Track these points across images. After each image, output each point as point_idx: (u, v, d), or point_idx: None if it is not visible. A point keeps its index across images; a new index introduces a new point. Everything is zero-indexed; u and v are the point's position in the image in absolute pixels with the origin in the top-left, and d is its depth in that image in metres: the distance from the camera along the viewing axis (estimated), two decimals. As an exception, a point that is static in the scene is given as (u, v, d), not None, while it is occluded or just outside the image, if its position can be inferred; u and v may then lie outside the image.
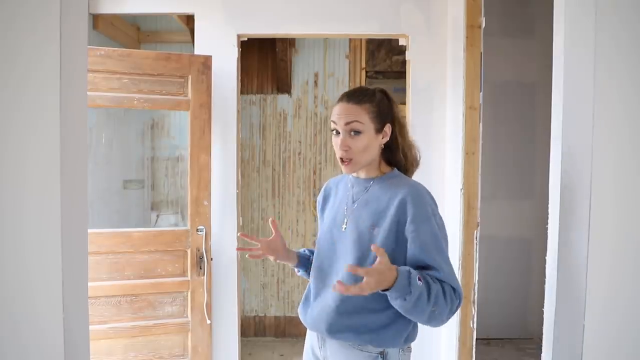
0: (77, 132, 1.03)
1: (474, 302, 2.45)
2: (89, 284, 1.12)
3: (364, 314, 1.29)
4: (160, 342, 2.52)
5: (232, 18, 2.66)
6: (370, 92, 1.35)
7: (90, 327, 1.12)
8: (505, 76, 3.55)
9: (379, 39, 3.63)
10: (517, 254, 3.59)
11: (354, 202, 1.37)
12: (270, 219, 1.47)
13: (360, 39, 3.66)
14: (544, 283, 1.38)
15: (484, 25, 2.40)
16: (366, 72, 3.71)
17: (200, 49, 2.65)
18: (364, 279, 1.12)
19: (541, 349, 1.39)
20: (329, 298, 1.34)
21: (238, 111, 2.70)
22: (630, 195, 1.20)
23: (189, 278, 2.53)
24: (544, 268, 1.38)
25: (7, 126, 0.95)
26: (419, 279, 1.18)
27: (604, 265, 1.22)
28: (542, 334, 1.38)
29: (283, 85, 3.69)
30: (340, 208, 1.41)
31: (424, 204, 1.27)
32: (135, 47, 3.57)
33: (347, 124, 1.29)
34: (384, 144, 1.36)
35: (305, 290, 1.48)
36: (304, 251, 1.55)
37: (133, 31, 3.61)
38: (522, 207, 3.59)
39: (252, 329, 3.74)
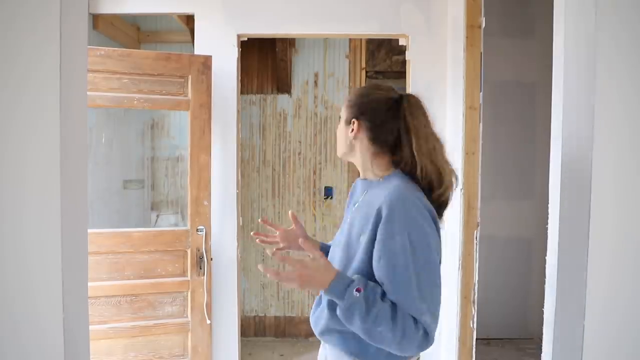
0: (77, 132, 1.03)
1: (474, 302, 2.45)
2: (89, 284, 1.12)
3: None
4: (160, 342, 2.52)
5: (232, 18, 2.66)
6: (362, 87, 1.37)
7: (90, 327, 1.12)
8: (505, 76, 3.55)
9: (379, 39, 3.63)
10: (517, 254, 3.59)
11: (354, 204, 1.34)
12: (290, 213, 1.46)
13: (360, 39, 3.66)
14: (544, 283, 1.38)
15: (484, 25, 2.40)
16: (366, 72, 3.71)
17: (200, 49, 2.65)
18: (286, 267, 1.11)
19: (541, 349, 1.39)
20: (324, 300, 1.28)
21: (238, 111, 2.70)
22: (631, 195, 1.20)
23: (189, 278, 2.53)
24: (544, 268, 1.38)
25: (7, 126, 0.95)
26: (358, 290, 1.10)
27: (604, 265, 1.22)
28: (542, 334, 1.39)
29: (283, 85, 3.69)
30: (349, 209, 1.39)
31: (396, 215, 1.13)
32: (135, 47, 3.58)
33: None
34: (391, 145, 1.27)
35: None
36: (325, 244, 1.51)
37: (133, 31, 3.61)
38: (522, 207, 3.59)
39: (252, 329, 3.74)
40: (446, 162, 1.30)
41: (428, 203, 1.21)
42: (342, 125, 1.32)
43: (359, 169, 1.34)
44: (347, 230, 1.27)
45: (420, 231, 1.14)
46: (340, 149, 1.34)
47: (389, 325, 1.09)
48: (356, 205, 1.30)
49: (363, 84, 3.70)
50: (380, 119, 1.27)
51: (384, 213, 1.14)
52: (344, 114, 1.32)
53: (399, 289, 1.11)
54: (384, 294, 1.12)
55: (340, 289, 1.11)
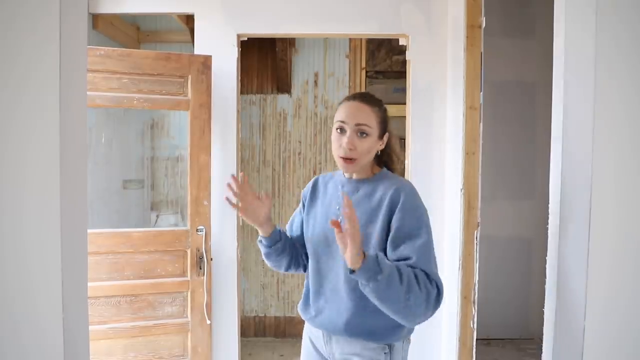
0: (76, 132, 1.03)
1: (474, 302, 2.44)
2: (89, 284, 1.12)
3: (379, 315, 1.27)
4: (160, 343, 2.52)
5: (231, 18, 2.66)
6: (377, 99, 1.41)
7: (90, 328, 1.12)
8: (506, 76, 3.56)
9: (379, 39, 3.63)
10: (517, 254, 3.59)
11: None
12: (264, 192, 1.48)
13: (361, 39, 3.66)
14: (544, 283, 1.38)
15: (484, 25, 2.40)
16: (366, 72, 3.71)
17: (200, 48, 2.65)
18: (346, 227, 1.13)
19: (542, 349, 1.39)
20: (344, 298, 1.35)
21: (238, 111, 2.70)
22: (631, 195, 1.20)
23: (188, 278, 2.53)
24: (544, 268, 1.38)
25: (7, 126, 0.95)
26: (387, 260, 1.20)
27: (604, 265, 1.22)
28: (542, 334, 1.38)
29: (283, 85, 3.69)
30: (332, 208, 1.43)
31: (415, 199, 1.32)
32: (135, 47, 3.57)
33: (359, 125, 1.33)
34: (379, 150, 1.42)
35: (304, 289, 1.49)
36: (280, 231, 1.52)
37: (133, 31, 3.61)
38: (523, 207, 3.59)
39: (252, 329, 3.74)
40: (399, 151, 1.52)
41: None
42: (373, 140, 1.36)
43: (358, 171, 1.41)
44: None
45: (427, 215, 1.33)
46: (367, 160, 1.38)
47: (416, 286, 1.18)
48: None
49: (363, 84, 3.70)
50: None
51: (402, 196, 1.29)
52: (374, 128, 1.36)
53: (421, 251, 1.24)
54: (402, 264, 1.23)
55: (374, 262, 1.15)
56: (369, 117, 1.34)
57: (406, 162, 2.73)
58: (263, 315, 3.74)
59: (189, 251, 2.53)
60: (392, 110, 3.87)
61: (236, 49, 2.66)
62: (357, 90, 3.68)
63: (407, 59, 2.71)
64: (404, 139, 2.79)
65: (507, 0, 3.47)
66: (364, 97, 1.39)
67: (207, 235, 2.53)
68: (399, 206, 1.29)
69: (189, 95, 2.51)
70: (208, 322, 2.55)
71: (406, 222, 1.27)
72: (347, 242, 1.13)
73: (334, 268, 1.39)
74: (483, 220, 2.54)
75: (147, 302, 2.49)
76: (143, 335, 2.48)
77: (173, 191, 3.79)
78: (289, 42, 3.62)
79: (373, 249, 1.30)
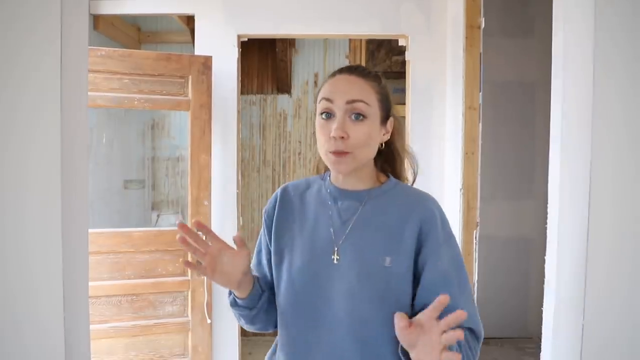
0: (77, 132, 1.03)
1: (473, 302, 2.45)
2: (90, 283, 1.12)
3: None
4: (161, 342, 2.52)
5: (232, 18, 2.66)
6: (375, 73, 1.01)
7: (91, 327, 1.13)
8: (505, 76, 3.56)
9: (378, 40, 3.63)
10: (516, 253, 3.59)
11: (345, 222, 0.98)
12: (233, 236, 0.96)
13: (360, 39, 3.66)
14: (543, 283, 1.38)
15: (483, 25, 2.41)
16: (366, 72, 3.71)
17: (200, 49, 2.65)
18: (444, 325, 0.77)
19: (540, 349, 1.39)
20: (344, 354, 0.93)
21: (238, 111, 2.70)
22: (629, 195, 1.21)
23: (189, 278, 2.54)
24: (543, 268, 1.38)
25: (8, 126, 0.95)
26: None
27: (602, 265, 1.22)
28: (541, 333, 1.39)
29: (283, 85, 3.70)
30: (321, 232, 0.99)
31: (446, 223, 0.96)
32: (136, 48, 3.58)
33: (351, 102, 0.93)
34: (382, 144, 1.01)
35: (274, 343, 1.08)
36: (258, 279, 1.04)
37: (133, 32, 3.62)
38: (522, 207, 3.59)
39: (252, 328, 3.74)
40: (410, 153, 1.10)
41: None
42: (373, 124, 0.95)
43: (355, 178, 1.00)
44: (356, 257, 0.95)
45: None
46: (368, 156, 0.97)
47: (469, 352, 0.89)
48: (351, 223, 0.97)
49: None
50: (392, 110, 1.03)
51: (434, 221, 0.94)
52: (374, 107, 0.95)
53: (468, 302, 0.93)
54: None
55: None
56: (365, 92, 0.94)
57: (405, 162, 2.73)
58: (263, 315, 3.74)
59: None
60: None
61: (236, 49, 2.67)
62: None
63: (406, 59, 2.71)
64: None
65: (506, 0, 3.47)
66: (356, 69, 0.97)
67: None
68: (431, 234, 0.93)
69: (190, 95, 2.51)
70: (208, 321, 2.56)
71: (445, 259, 0.92)
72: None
73: (329, 316, 0.94)
74: (482, 220, 2.55)
75: (147, 301, 2.49)
76: (144, 334, 2.48)
77: (174, 191, 3.80)
78: (289, 43, 3.63)
79: (397, 292, 0.92)
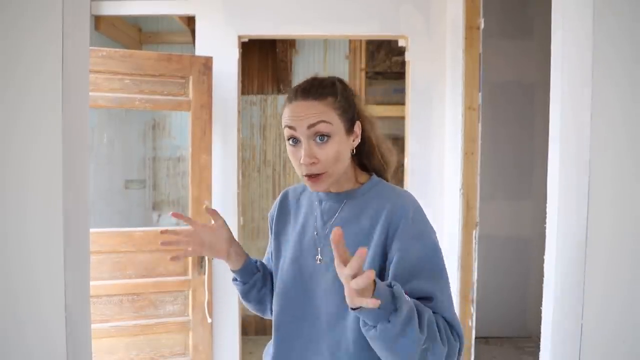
0: (79, 132, 1.04)
1: (473, 301, 2.46)
2: (91, 283, 1.13)
3: None
4: (162, 341, 2.53)
5: (232, 19, 2.67)
6: (329, 82, 1.03)
7: (92, 326, 1.13)
8: (504, 77, 3.56)
9: (378, 40, 3.64)
10: (515, 253, 3.59)
11: (325, 223, 1.05)
12: (204, 206, 1.11)
13: (360, 40, 3.67)
14: (542, 282, 1.39)
15: (482, 26, 2.41)
16: (366, 72, 3.72)
17: (201, 49, 2.66)
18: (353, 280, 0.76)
19: (539, 348, 1.39)
20: (324, 351, 0.99)
21: (239, 111, 2.71)
22: (628, 195, 1.21)
23: (190, 277, 2.55)
24: (542, 267, 1.39)
25: (10, 126, 0.96)
26: (405, 293, 0.85)
27: (601, 264, 1.23)
28: (540, 332, 1.39)
29: (283, 85, 3.70)
30: (308, 232, 1.07)
31: (419, 218, 0.98)
32: (137, 48, 3.59)
33: (312, 126, 0.96)
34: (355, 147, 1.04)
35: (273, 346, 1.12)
36: (255, 261, 1.18)
37: (134, 32, 3.63)
38: (521, 207, 3.59)
39: (252, 327, 3.75)
40: (385, 141, 1.11)
41: None
42: (339, 139, 0.98)
43: (335, 182, 1.03)
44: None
45: (436, 236, 1.01)
46: (342, 168, 1.00)
47: (438, 338, 0.87)
48: (329, 225, 1.04)
49: (363, 85, 3.71)
50: (359, 110, 1.05)
51: (402, 217, 0.96)
52: (336, 124, 0.97)
53: (441, 292, 0.93)
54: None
55: (388, 295, 0.82)
56: (323, 113, 0.96)
57: (405, 162, 2.74)
58: (263, 314, 3.75)
59: (189, 251, 2.54)
60: (391, 110, 3.88)
61: (237, 50, 2.67)
62: (357, 91, 3.68)
63: (406, 60, 2.72)
64: (402, 139, 2.80)
65: (505, 2, 3.48)
66: (308, 92, 0.99)
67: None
68: (399, 230, 0.95)
69: (190, 96, 2.52)
70: (209, 320, 2.56)
71: (414, 251, 0.94)
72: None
73: (314, 314, 1.01)
74: (482, 220, 2.55)
75: (148, 300, 2.50)
76: (145, 333, 2.49)
77: (174, 191, 3.81)
78: (289, 43, 3.64)
79: None
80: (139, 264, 2.48)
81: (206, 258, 2.54)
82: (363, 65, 3.70)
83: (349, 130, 1.01)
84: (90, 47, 1.12)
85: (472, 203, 2.43)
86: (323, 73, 3.75)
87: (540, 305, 1.39)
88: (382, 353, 0.86)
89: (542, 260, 1.39)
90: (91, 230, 1.14)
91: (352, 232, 0.99)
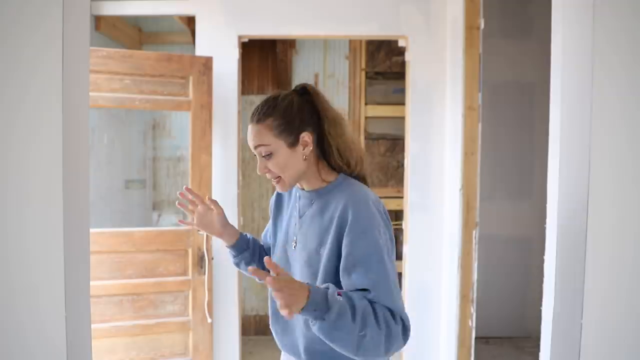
0: (79, 132, 1.04)
1: (473, 301, 2.46)
2: (91, 283, 1.13)
3: None
4: (162, 341, 2.53)
5: (232, 19, 2.67)
6: (272, 104, 1.18)
7: (92, 326, 1.13)
8: (504, 77, 3.56)
9: (378, 40, 3.64)
10: (516, 253, 3.59)
11: (300, 217, 1.24)
12: (207, 197, 1.34)
13: (360, 40, 3.67)
14: (542, 282, 1.39)
15: (482, 26, 2.42)
16: (366, 72, 3.72)
17: (201, 50, 2.66)
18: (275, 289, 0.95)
19: (539, 348, 1.39)
20: (300, 322, 1.19)
21: (239, 111, 2.71)
22: (628, 194, 1.21)
23: (190, 277, 2.55)
24: (542, 267, 1.39)
25: (10, 126, 0.96)
26: (338, 294, 1.02)
27: (602, 264, 1.23)
28: (540, 332, 1.39)
29: (283, 85, 3.70)
30: (291, 223, 1.28)
31: (364, 215, 1.11)
32: (137, 48, 3.59)
33: (255, 148, 1.17)
34: (320, 149, 1.20)
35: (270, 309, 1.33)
36: (248, 240, 1.40)
37: (135, 32, 3.63)
38: (521, 207, 3.59)
39: (252, 327, 3.75)
40: (354, 140, 1.25)
41: (382, 202, 1.20)
42: (281, 154, 1.15)
43: (304, 182, 1.22)
44: (303, 245, 1.20)
45: (384, 230, 1.13)
46: (295, 173, 1.17)
47: (374, 324, 1.03)
48: (303, 218, 1.23)
49: (363, 85, 3.71)
50: (311, 119, 1.20)
51: (350, 214, 1.10)
52: (274, 143, 1.14)
53: (379, 284, 1.07)
54: (357, 296, 1.07)
55: (320, 298, 0.99)
56: (261, 136, 1.15)
57: (405, 162, 2.74)
58: (264, 313, 3.75)
59: (190, 250, 2.54)
60: (391, 110, 3.87)
61: (237, 50, 2.67)
62: (357, 92, 3.69)
63: (406, 60, 2.72)
64: (402, 139, 2.80)
65: (505, 2, 3.48)
66: (253, 115, 1.17)
67: (208, 235, 2.54)
68: (347, 227, 1.10)
69: (190, 96, 2.52)
70: (209, 320, 2.56)
71: (358, 247, 1.08)
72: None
73: None
74: (482, 220, 2.56)
75: (148, 300, 2.50)
76: (145, 333, 2.49)
77: (174, 191, 3.80)
78: (289, 43, 3.64)
79: (323, 275, 1.14)
80: (139, 264, 2.48)
81: (206, 259, 2.54)
82: (363, 65, 3.70)
83: (293, 143, 1.16)
84: (91, 47, 1.12)
85: (472, 203, 2.44)
86: (323, 73, 3.76)
87: (540, 305, 1.39)
88: (327, 342, 1.04)
89: (542, 261, 1.39)
90: (91, 230, 1.14)
91: (317, 227, 1.18)
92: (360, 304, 1.03)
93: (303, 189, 1.25)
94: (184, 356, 2.57)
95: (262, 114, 1.16)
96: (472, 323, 2.46)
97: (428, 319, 2.71)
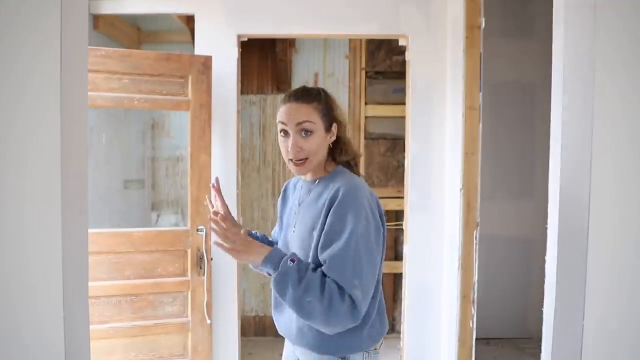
0: (77, 132, 1.03)
1: (473, 301, 2.45)
2: (90, 283, 1.12)
3: None
4: (161, 342, 2.52)
5: (232, 18, 2.66)
6: (315, 91, 1.33)
7: (91, 327, 1.13)
8: (505, 76, 3.56)
9: (378, 40, 3.63)
10: (516, 253, 3.59)
11: (299, 204, 1.37)
12: (211, 183, 1.40)
13: (360, 40, 3.66)
14: (544, 283, 1.38)
15: (483, 25, 2.41)
16: (366, 72, 3.71)
17: (200, 49, 2.65)
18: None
19: (540, 349, 1.39)
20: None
21: (238, 111, 2.70)
22: (630, 194, 1.21)
23: (189, 278, 2.54)
24: (544, 268, 1.38)
25: (8, 126, 0.95)
26: (292, 260, 1.19)
27: (603, 265, 1.22)
28: (541, 333, 1.39)
29: (283, 85, 3.69)
30: (292, 211, 1.40)
31: (351, 199, 1.21)
32: (136, 48, 3.58)
33: (299, 123, 1.26)
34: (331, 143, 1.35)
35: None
36: (256, 233, 1.48)
37: (133, 31, 3.62)
38: (522, 207, 3.59)
39: (252, 328, 3.75)
40: (352, 140, 1.42)
41: (376, 196, 1.31)
42: (319, 135, 1.28)
43: (312, 171, 1.34)
44: (299, 229, 1.32)
45: (367, 220, 1.22)
46: (320, 158, 1.31)
47: (317, 294, 1.15)
48: (301, 205, 1.35)
49: (363, 85, 3.70)
50: (337, 115, 1.35)
51: (339, 196, 1.21)
52: (318, 123, 1.28)
53: (335, 258, 1.18)
54: (315, 269, 1.20)
55: (276, 259, 1.19)
56: (309, 114, 1.26)
57: (405, 162, 2.74)
58: (263, 314, 3.75)
59: (189, 251, 2.54)
60: (391, 110, 3.87)
61: (236, 49, 2.67)
62: (357, 91, 3.69)
63: (406, 59, 2.72)
64: (403, 139, 2.79)
65: (506, 1, 3.48)
66: (299, 97, 1.29)
67: (208, 235, 2.54)
68: (332, 209, 1.21)
69: (190, 95, 2.51)
70: (208, 321, 2.56)
71: (332, 226, 1.20)
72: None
73: None
74: (482, 220, 2.55)
75: (147, 301, 2.49)
76: (143, 334, 2.48)
77: (173, 191, 3.80)
78: (289, 43, 3.63)
79: (313, 255, 1.25)
80: (137, 264, 2.48)
81: (205, 259, 2.53)
82: (363, 65, 3.69)
83: (328, 129, 1.31)
84: (89, 47, 1.12)
85: (473, 203, 2.43)
86: (323, 73, 3.75)
87: (542, 305, 1.39)
88: (277, 294, 1.20)
89: (543, 261, 1.39)
90: (90, 230, 1.13)
91: (312, 211, 1.29)
92: (309, 275, 1.17)
93: (305, 179, 1.38)
94: (182, 357, 2.56)
95: (309, 97, 1.29)
96: (473, 324, 2.46)
97: (428, 320, 2.71)
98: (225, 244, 1.22)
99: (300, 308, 1.17)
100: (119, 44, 3.32)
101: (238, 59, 2.68)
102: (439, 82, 2.67)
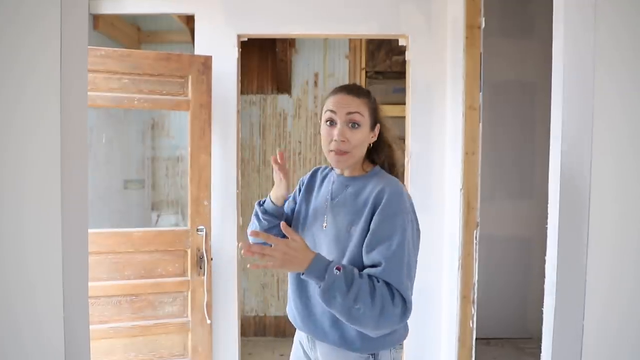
0: (77, 132, 1.03)
1: (473, 301, 2.45)
2: (90, 283, 1.12)
3: None
4: (161, 342, 2.52)
5: (232, 18, 2.66)
6: (366, 89, 1.36)
7: (91, 327, 1.12)
8: (505, 76, 3.56)
9: (378, 40, 3.63)
10: (516, 253, 3.59)
11: (332, 199, 1.34)
12: (277, 154, 1.43)
13: (360, 40, 3.66)
14: (544, 283, 1.38)
15: (483, 25, 2.41)
16: (366, 72, 3.71)
17: (200, 49, 2.65)
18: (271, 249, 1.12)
19: (540, 349, 1.39)
20: (317, 301, 1.26)
21: (238, 111, 2.70)
22: (630, 194, 1.20)
23: (189, 278, 2.54)
24: (544, 268, 1.38)
25: (8, 126, 0.95)
26: (337, 269, 1.14)
27: (603, 264, 1.22)
28: (541, 333, 1.39)
29: (283, 85, 3.69)
30: (321, 204, 1.37)
31: (397, 201, 1.22)
32: (136, 47, 3.58)
33: (349, 113, 1.27)
34: (371, 144, 1.35)
35: (288, 290, 1.43)
36: (265, 201, 1.51)
37: (133, 31, 3.62)
38: (522, 207, 3.59)
39: (252, 328, 3.74)
40: (397, 144, 1.42)
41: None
42: (365, 130, 1.29)
43: (349, 168, 1.35)
44: (333, 224, 1.30)
45: (414, 220, 1.25)
46: (360, 154, 1.31)
47: (368, 302, 1.12)
48: (335, 200, 1.33)
49: (363, 85, 3.70)
50: (381, 117, 1.38)
51: (385, 197, 1.21)
52: (366, 117, 1.29)
53: (391, 260, 1.16)
54: (361, 274, 1.17)
55: (321, 268, 1.14)
56: (359, 107, 1.28)
57: (406, 162, 2.73)
58: (263, 314, 3.75)
59: (189, 251, 2.53)
60: (391, 110, 3.88)
61: (236, 49, 2.67)
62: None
63: (406, 59, 2.71)
64: (403, 139, 2.79)
65: (506, 1, 3.48)
66: (351, 90, 1.31)
67: (207, 235, 2.54)
68: (379, 209, 1.20)
69: (189, 95, 2.51)
70: (208, 321, 2.55)
71: (382, 227, 1.19)
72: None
73: None
74: (482, 220, 2.55)
75: (147, 301, 2.49)
76: (143, 334, 2.48)
77: (173, 191, 3.80)
78: (289, 43, 3.63)
79: (351, 252, 1.23)
80: (137, 264, 2.47)
81: (205, 259, 2.53)
82: (363, 65, 3.69)
83: (372, 127, 1.33)
84: (89, 47, 1.12)
85: (473, 203, 2.43)
86: (323, 73, 3.75)
87: (542, 306, 1.39)
88: (325, 305, 1.16)
89: (543, 261, 1.39)
90: (90, 230, 1.13)
91: (350, 208, 1.28)
92: (358, 282, 1.14)
93: (341, 175, 1.37)
94: (182, 357, 2.56)
95: (360, 92, 1.32)
96: (473, 324, 2.45)
97: (429, 320, 2.71)
98: (262, 263, 1.15)
99: (350, 316, 1.14)
100: (119, 44, 3.32)
101: (238, 59, 2.68)
102: (439, 82, 2.67)
